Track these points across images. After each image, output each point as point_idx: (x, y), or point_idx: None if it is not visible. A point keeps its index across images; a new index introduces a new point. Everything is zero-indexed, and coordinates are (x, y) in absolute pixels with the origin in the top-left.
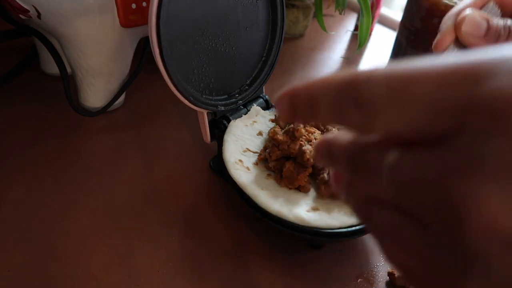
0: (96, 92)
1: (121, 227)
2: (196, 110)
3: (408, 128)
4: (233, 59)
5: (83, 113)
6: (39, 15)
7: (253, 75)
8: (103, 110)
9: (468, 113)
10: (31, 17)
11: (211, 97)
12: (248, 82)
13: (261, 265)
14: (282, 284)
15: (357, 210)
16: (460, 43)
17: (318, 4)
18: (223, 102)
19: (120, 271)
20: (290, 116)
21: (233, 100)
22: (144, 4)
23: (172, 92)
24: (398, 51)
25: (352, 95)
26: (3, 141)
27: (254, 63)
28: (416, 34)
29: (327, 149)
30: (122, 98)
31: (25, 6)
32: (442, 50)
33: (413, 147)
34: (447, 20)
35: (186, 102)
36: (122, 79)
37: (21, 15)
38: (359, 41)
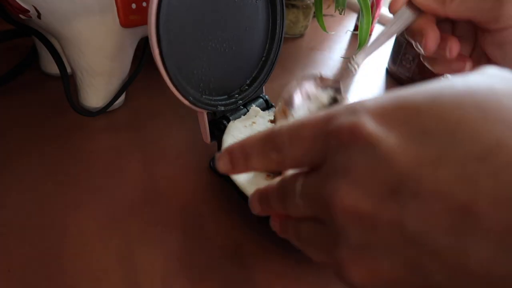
0: (96, 92)
1: (121, 227)
2: (196, 110)
3: (303, 158)
4: (233, 59)
5: (83, 113)
6: (39, 15)
7: (253, 75)
8: (103, 110)
9: (327, 142)
10: (31, 17)
11: (211, 97)
12: (248, 82)
13: (261, 265)
14: (282, 284)
15: (291, 236)
16: (413, 4)
17: (318, 4)
18: (223, 102)
19: (120, 271)
20: (231, 168)
21: (233, 100)
22: (144, 4)
23: (172, 92)
24: (398, 51)
25: (271, 144)
26: (3, 141)
27: (254, 63)
28: None
29: (265, 196)
30: (122, 98)
31: (25, 6)
32: (396, 10)
33: (309, 173)
34: None
35: (185, 102)
36: (122, 79)
37: (21, 15)
38: (359, 41)
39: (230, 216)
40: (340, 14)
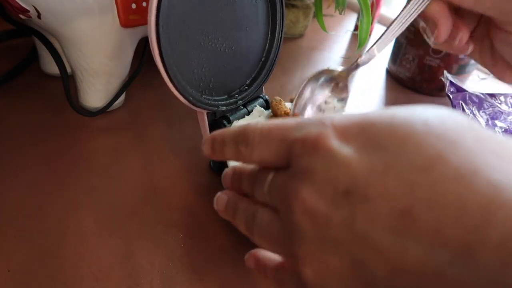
0: (96, 92)
1: (121, 227)
2: (196, 110)
3: (268, 157)
4: (233, 59)
5: (83, 113)
6: (39, 15)
7: (253, 75)
8: (103, 110)
9: (292, 147)
10: (31, 17)
11: (211, 97)
12: (248, 82)
13: None
14: None
15: (240, 218)
16: None
17: (318, 4)
18: (223, 102)
19: (120, 271)
20: (211, 153)
21: (233, 100)
22: (144, 4)
23: (172, 92)
24: (398, 51)
25: (242, 138)
26: (3, 141)
27: (254, 63)
28: (416, 34)
29: (238, 174)
30: (122, 98)
31: (25, 6)
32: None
33: (279, 171)
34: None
35: (185, 102)
36: (122, 79)
37: (21, 15)
38: (359, 41)
39: None
40: (340, 14)
